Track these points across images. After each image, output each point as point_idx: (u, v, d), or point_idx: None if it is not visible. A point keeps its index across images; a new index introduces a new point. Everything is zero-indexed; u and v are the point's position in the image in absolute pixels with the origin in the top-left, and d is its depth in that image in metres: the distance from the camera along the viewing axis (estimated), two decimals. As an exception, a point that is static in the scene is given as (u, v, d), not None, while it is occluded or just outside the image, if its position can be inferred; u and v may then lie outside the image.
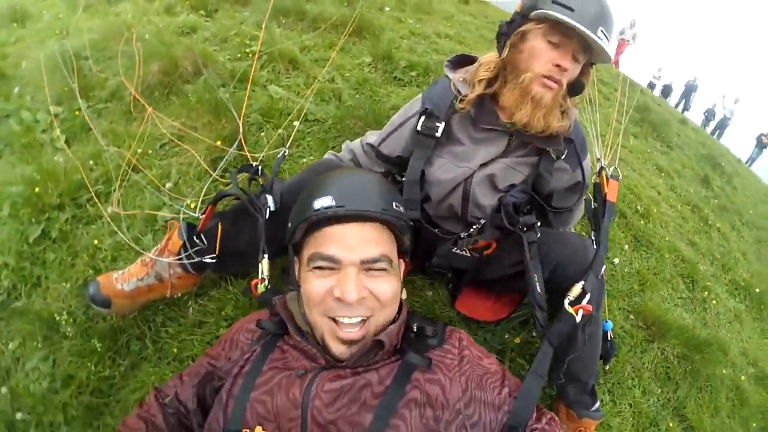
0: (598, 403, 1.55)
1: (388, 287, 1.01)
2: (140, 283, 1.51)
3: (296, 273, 1.09)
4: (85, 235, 1.88)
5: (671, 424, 1.94)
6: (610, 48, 1.27)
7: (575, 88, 1.35)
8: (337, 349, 0.99)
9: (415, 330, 1.08)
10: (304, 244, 1.05)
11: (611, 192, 1.44)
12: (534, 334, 1.77)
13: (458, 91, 1.43)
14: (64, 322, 1.57)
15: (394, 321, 1.06)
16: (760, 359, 2.75)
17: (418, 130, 1.45)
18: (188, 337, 1.58)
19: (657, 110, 6.17)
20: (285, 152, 1.62)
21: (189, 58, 2.77)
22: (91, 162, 2.14)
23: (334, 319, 0.99)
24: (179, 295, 1.61)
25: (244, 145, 1.71)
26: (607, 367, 1.87)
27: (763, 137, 17.73)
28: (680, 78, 19.80)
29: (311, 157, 2.22)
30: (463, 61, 1.52)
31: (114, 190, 1.93)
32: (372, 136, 1.62)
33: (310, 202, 1.00)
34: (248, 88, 2.03)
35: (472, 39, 4.85)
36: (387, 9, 4.43)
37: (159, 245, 1.56)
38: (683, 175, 4.63)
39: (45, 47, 3.29)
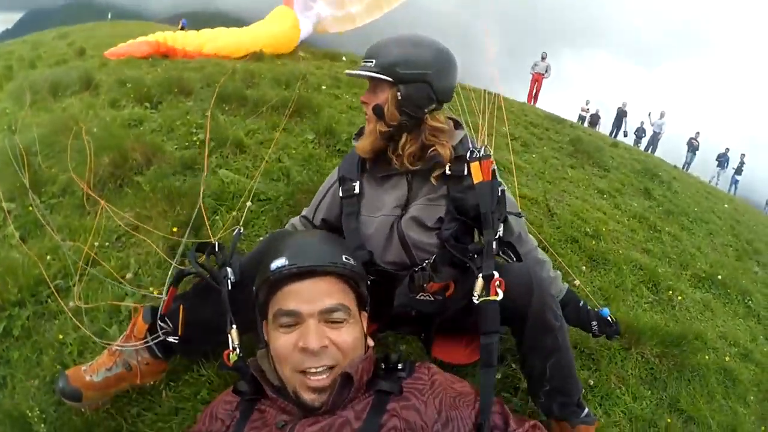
0: (587, 409, 1.57)
1: (348, 336, 1.06)
2: (109, 373, 1.50)
3: (264, 333, 1.16)
4: (48, 330, 1.87)
5: (669, 420, 1.99)
6: (368, 68, 1.52)
7: (375, 112, 1.54)
8: (309, 398, 1.02)
9: (383, 365, 1.14)
10: (269, 305, 1.11)
11: (485, 171, 1.52)
12: (513, 366, 1.84)
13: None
14: (36, 419, 1.55)
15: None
16: (740, 338, 2.91)
17: (341, 196, 1.65)
18: (165, 425, 1.57)
19: (588, 139, 6.53)
20: (240, 230, 1.67)
21: (138, 149, 2.89)
22: (48, 257, 2.17)
23: (303, 372, 1.03)
24: (152, 383, 1.61)
25: (207, 223, 1.79)
26: (613, 340, 1.93)
27: (692, 140, 19.21)
28: (609, 106, 21.24)
29: (267, 235, 2.33)
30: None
31: (74, 284, 1.97)
32: (305, 210, 1.82)
33: (268, 264, 1.09)
34: (205, 168, 2.13)
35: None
36: (323, 87, 4.74)
37: (125, 332, 1.58)
38: (624, 193, 4.92)
39: (-6, 142, 3.31)
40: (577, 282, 2.55)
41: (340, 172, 1.70)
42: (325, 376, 1.03)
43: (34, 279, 2.04)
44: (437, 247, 1.56)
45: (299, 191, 2.57)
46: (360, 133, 1.70)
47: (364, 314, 1.20)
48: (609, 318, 1.74)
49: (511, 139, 4.98)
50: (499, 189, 1.55)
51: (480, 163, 1.51)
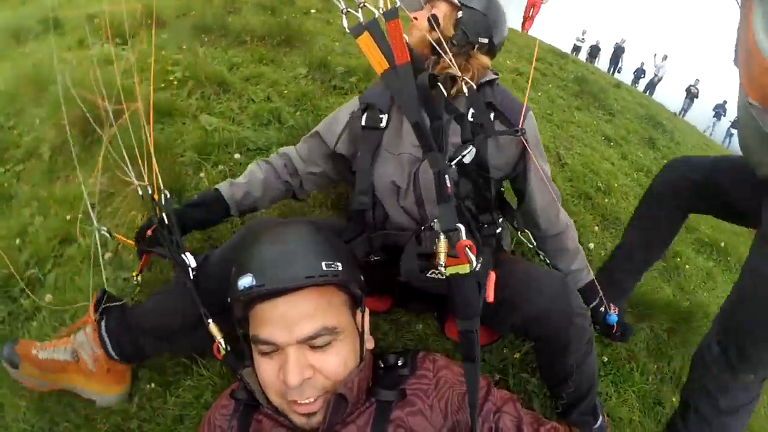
0: (601, 418, 1.51)
1: (334, 361, 0.93)
2: (54, 355, 1.35)
3: (248, 350, 1.02)
4: (26, 333, 1.65)
5: (674, 399, 1.93)
6: None
7: (430, 22, 1.34)
8: (300, 422, 0.94)
9: (382, 366, 1.06)
10: (249, 320, 0.99)
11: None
12: (533, 343, 1.70)
13: None
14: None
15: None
16: None
17: (363, 125, 1.45)
18: (171, 436, 1.43)
19: (593, 78, 6.28)
20: (167, 195, 1.44)
21: (109, 95, 2.55)
22: (18, 240, 1.91)
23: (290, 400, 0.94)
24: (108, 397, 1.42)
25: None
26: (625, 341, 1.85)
27: (692, 87, 18.99)
28: (603, 38, 20.52)
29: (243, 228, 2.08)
30: None
31: (49, 271, 1.74)
32: (301, 146, 1.62)
33: (236, 280, 0.94)
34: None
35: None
36: (313, 11, 4.25)
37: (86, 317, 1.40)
38: (630, 141, 4.73)
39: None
40: (591, 245, 2.45)
41: (365, 99, 1.50)
42: (312, 400, 0.92)
43: (3, 275, 1.78)
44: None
45: (293, 137, 2.27)
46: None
47: (359, 314, 1.03)
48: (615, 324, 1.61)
49: (516, 75, 4.79)
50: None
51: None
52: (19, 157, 2.42)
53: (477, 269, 0.95)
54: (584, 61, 17.49)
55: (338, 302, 0.97)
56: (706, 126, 18.07)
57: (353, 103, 1.57)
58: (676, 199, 1.75)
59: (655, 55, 19.16)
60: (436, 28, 1.32)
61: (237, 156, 2.17)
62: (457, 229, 0.96)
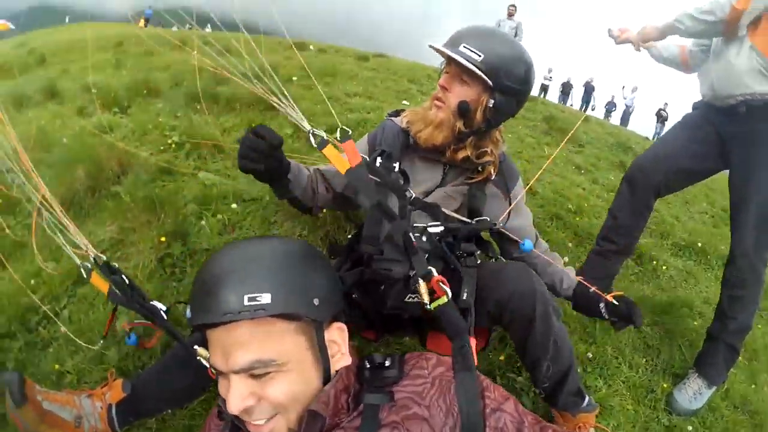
0: (587, 398, 1.62)
1: (279, 391, 0.86)
2: (58, 411, 1.37)
3: None
4: (43, 360, 1.79)
5: (665, 385, 2.11)
6: (473, 61, 1.42)
7: (460, 109, 1.47)
8: None
9: (368, 366, 1.01)
10: None
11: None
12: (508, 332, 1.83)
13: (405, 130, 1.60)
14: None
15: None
16: None
17: None
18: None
19: (562, 117, 6.65)
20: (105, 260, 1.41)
21: (113, 157, 2.81)
22: (32, 281, 2.09)
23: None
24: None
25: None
26: (621, 332, 1.99)
27: (661, 111, 19.65)
28: (572, 75, 21.64)
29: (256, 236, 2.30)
30: (398, 113, 1.71)
31: (64, 307, 1.93)
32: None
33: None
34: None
35: (380, 92, 5.18)
36: (294, 79, 4.65)
37: (97, 388, 1.48)
38: (600, 167, 5.05)
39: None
40: (565, 258, 2.63)
41: (380, 144, 1.59)
42: (263, 422, 0.88)
43: (21, 308, 1.96)
44: (435, 241, 1.52)
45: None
46: (396, 114, 1.68)
47: (333, 330, 0.97)
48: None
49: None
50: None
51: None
52: (30, 209, 2.63)
53: (464, 297, 1.29)
54: (557, 100, 17.89)
55: (281, 331, 0.87)
56: (653, 133, 18.45)
57: (363, 144, 1.66)
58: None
59: (624, 87, 19.94)
60: (464, 116, 1.46)
61: (234, 206, 2.41)
62: (430, 272, 1.15)
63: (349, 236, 1.72)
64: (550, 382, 1.53)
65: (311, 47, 8.23)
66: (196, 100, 3.85)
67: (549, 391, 1.56)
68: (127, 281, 1.34)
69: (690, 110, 2.24)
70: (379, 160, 1.50)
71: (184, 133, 3.15)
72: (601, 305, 1.59)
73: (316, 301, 0.90)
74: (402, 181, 1.49)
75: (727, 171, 2.07)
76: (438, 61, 1.62)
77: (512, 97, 1.49)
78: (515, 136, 4.97)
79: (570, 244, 2.92)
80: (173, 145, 3.07)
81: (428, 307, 1.13)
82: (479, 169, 1.58)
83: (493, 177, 1.61)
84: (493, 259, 1.77)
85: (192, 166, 2.83)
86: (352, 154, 1.23)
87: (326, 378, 0.94)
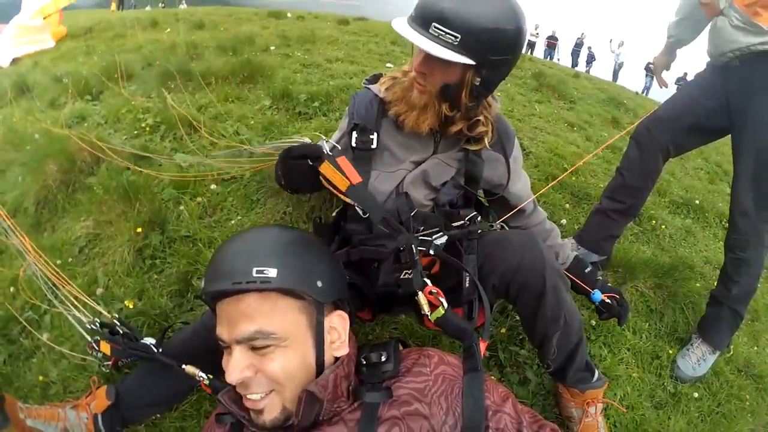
0: (597, 373, 1.55)
1: (277, 365, 0.90)
2: (42, 427, 1.37)
3: None
4: (27, 372, 1.71)
5: (670, 351, 2.05)
6: (447, 43, 1.16)
7: (443, 93, 1.29)
8: (258, 420, 0.92)
9: (364, 362, 1.02)
10: None
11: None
12: (517, 317, 1.76)
13: (382, 99, 1.43)
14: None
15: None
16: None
17: (353, 146, 1.40)
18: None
19: (551, 73, 6.44)
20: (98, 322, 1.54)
21: (84, 149, 2.66)
22: (11, 289, 1.99)
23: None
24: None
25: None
26: (623, 326, 1.92)
27: (650, 65, 19.47)
28: (558, 30, 21.15)
29: (239, 218, 2.17)
30: (376, 78, 1.52)
31: (44, 313, 1.82)
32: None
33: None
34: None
35: (362, 56, 4.97)
36: (272, 48, 4.45)
37: (81, 399, 1.46)
38: (593, 124, 4.87)
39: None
40: (563, 221, 2.57)
41: (353, 119, 1.43)
42: (258, 397, 0.91)
43: (2, 319, 1.87)
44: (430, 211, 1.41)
45: (265, 162, 2.38)
46: (374, 79, 1.51)
47: (334, 316, 1.01)
48: (602, 300, 1.65)
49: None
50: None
51: None
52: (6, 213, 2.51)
53: (466, 284, 1.24)
54: (543, 55, 17.60)
55: (284, 308, 0.92)
56: (643, 87, 18.08)
57: (343, 122, 1.54)
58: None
59: (611, 40, 19.44)
60: (448, 100, 1.30)
61: (213, 187, 2.29)
62: (426, 284, 1.16)
63: (333, 214, 1.58)
64: (559, 357, 1.44)
65: (288, 14, 7.93)
66: (169, 78, 3.68)
67: (557, 367, 1.48)
68: (121, 332, 1.47)
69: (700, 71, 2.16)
70: (354, 135, 1.41)
71: (158, 115, 2.99)
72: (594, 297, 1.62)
73: (319, 284, 0.96)
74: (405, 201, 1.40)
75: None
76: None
77: (502, 67, 1.27)
78: (505, 95, 4.78)
79: (567, 206, 2.80)
80: (147, 129, 2.92)
81: (432, 320, 1.13)
82: (474, 139, 1.41)
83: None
84: (492, 227, 1.67)
85: (168, 148, 2.68)
86: (350, 173, 1.25)
87: (320, 363, 0.96)
